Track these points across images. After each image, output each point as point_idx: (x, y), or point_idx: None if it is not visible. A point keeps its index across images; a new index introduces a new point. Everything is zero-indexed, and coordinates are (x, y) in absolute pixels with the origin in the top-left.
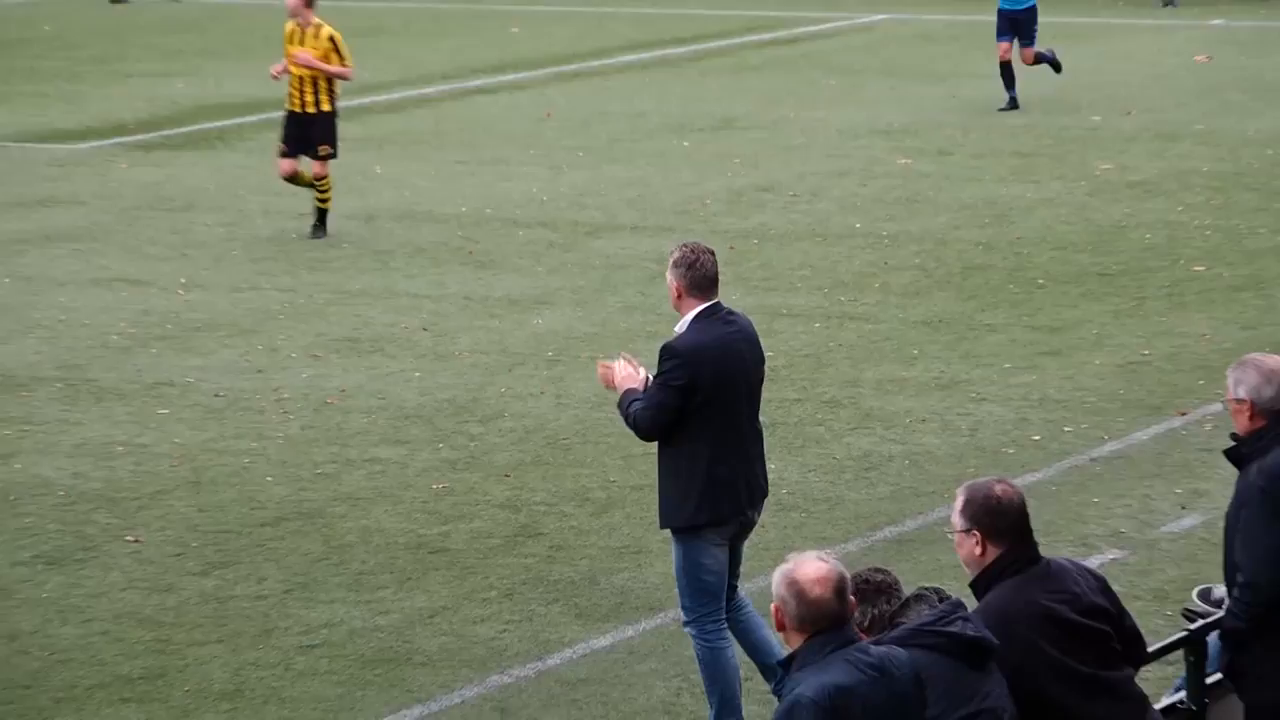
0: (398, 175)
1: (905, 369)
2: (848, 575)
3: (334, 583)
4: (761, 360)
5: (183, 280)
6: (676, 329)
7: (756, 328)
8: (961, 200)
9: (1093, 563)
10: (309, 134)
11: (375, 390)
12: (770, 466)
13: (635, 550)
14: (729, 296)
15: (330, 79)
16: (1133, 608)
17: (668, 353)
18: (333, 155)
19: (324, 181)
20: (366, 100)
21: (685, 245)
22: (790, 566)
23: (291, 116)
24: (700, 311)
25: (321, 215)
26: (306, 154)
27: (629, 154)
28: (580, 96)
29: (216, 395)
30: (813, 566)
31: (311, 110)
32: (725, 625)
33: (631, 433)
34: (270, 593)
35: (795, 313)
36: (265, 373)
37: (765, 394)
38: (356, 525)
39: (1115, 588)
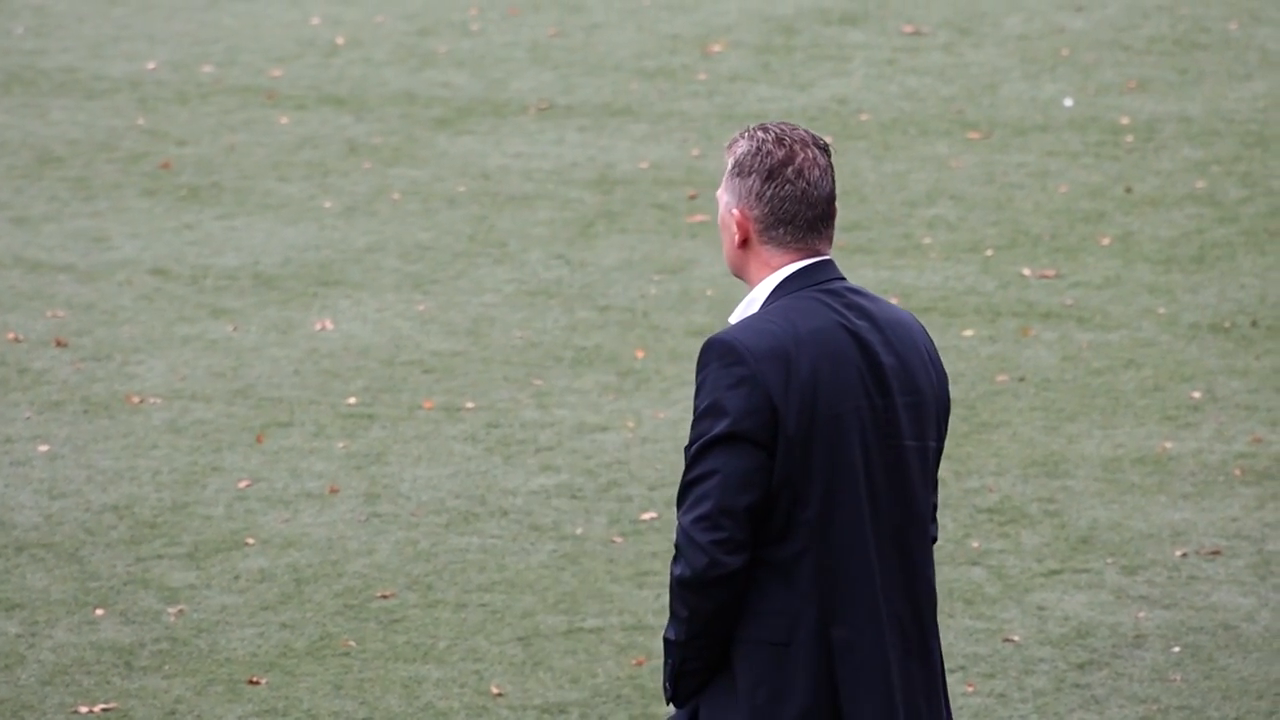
0: None
1: (1172, 433)
2: None
3: None
4: (941, 394)
5: None
6: (735, 314)
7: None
8: None
9: None
10: None
11: None
12: None
13: None
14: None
15: None
16: None
17: (715, 353)
18: None
19: None
20: None
21: (759, 129)
22: None
23: None
24: (792, 275)
25: None
26: None
27: None
28: None
29: None
30: None
31: None
32: None
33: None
34: None
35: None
36: None
37: None
38: None
39: None
